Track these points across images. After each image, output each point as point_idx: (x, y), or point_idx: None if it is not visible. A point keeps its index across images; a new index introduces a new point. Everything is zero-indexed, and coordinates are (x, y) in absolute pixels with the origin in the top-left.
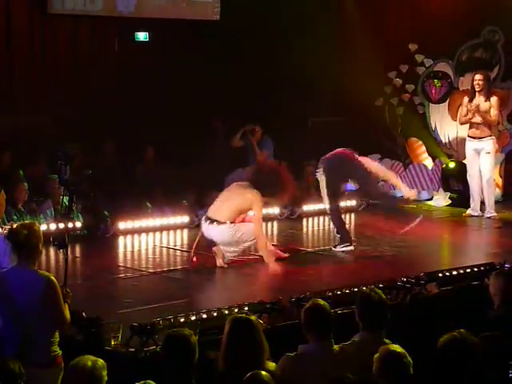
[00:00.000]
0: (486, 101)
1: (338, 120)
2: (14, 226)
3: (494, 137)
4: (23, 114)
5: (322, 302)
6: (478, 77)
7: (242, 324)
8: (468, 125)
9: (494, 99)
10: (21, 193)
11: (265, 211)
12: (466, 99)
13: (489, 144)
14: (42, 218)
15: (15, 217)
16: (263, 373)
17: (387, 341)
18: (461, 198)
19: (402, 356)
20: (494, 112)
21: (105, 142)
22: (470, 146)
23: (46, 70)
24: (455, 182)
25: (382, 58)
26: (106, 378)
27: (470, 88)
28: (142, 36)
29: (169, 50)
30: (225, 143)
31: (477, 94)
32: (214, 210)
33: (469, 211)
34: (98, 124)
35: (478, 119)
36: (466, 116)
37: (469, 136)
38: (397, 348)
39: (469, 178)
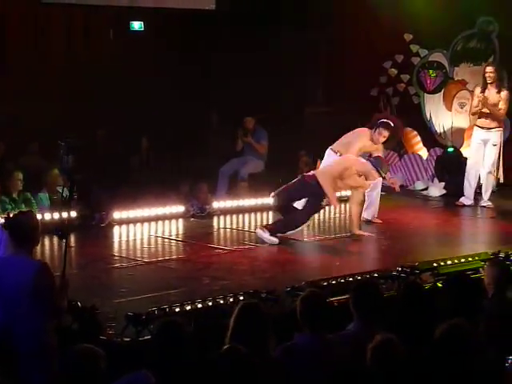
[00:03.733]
0: (497, 93)
1: (333, 110)
2: (11, 214)
3: (501, 129)
4: (17, 103)
5: (317, 291)
6: (489, 69)
7: (251, 310)
8: (477, 115)
9: (504, 93)
10: (15, 182)
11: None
12: (478, 90)
13: (496, 135)
14: (37, 208)
15: (9, 206)
16: (241, 348)
17: (381, 331)
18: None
19: (396, 345)
20: (502, 106)
21: (99, 132)
22: (478, 135)
23: (40, 59)
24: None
25: (378, 47)
26: (102, 367)
27: (482, 79)
28: (136, 25)
29: (164, 40)
30: (219, 134)
31: (488, 85)
32: None
33: (462, 200)
34: (92, 114)
35: (487, 110)
36: (477, 107)
37: (477, 125)
38: (390, 337)
39: (468, 167)
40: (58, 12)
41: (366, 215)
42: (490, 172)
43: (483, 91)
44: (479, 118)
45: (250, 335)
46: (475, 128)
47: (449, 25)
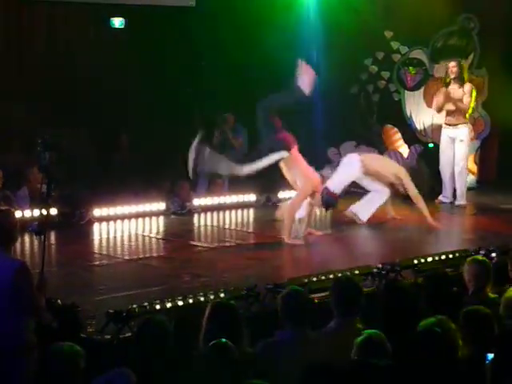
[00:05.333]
0: (459, 88)
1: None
2: None
3: (469, 124)
4: None
5: (298, 288)
6: (451, 64)
7: (222, 308)
8: (445, 113)
9: (467, 86)
10: None
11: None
12: (443, 88)
13: (463, 132)
14: (17, 205)
15: None
16: (228, 342)
17: (361, 327)
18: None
19: (381, 343)
20: (466, 99)
21: (79, 130)
22: (445, 133)
23: (21, 57)
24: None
25: (358, 44)
26: (82, 366)
27: (444, 75)
28: (117, 23)
29: (145, 37)
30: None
31: (452, 81)
32: None
33: (440, 197)
34: (73, 111)
35: (451, 106)
36: (441, 103)
37: (445, 123)
38: (377, 334)
39: (441, 165)
40: (39, 9)
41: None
42: (459, 170)
43: (446, 87)
44: (446, 115)
45: (222, 334)
46: (443, 126)
47: (429, 22)
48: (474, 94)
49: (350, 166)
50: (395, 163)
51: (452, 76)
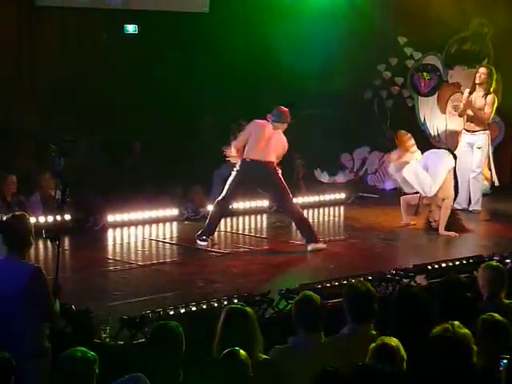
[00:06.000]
0: (482, 97)
1: (327, 112)
2: (4, 217)
3: (487, 132)
4: (10, 106)
5: (312, 294)
6: (482, 70)
7: (237, 314)
8: (465, 118)
9: (489, 97)
10: (10, 185)
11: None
12: (466, 92)
13: (481, 139)
14: (31, 211)
15: (3, 209)
16: (241, 351)
17: (374, 332)
18: None
19: (396, 350)
20: (487, 110)
21: (93, 136)
22: (464, 138)
23: (34, 63)
24: None
25: (372, 50)
26: (96, 371)
27: (473, 81)
28: (131, 29)
29: (158, 43)
30: (213, 137)
31: (476, 87)
32: None
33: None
34: (86, 117)
35: (471, 113)
36: (463, 109)
37: (464, 129)
38: (392, 341)
39: (457, 171)
40: (52, 16)
41: None
42: (475, 176)
43: (471, 94)
44: (466, 121)
45: (237, 340)
46: (463, 131)
47: (442, 27)
48: (496, 105)
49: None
50: None
51: (477, 81)
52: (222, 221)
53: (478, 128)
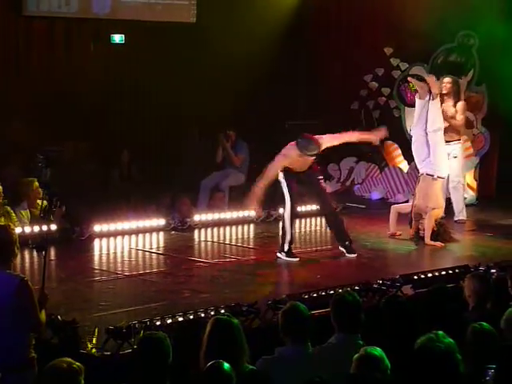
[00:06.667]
0: (453, 105)
1: (314, 123)
2: None
3: (461, 141)
4: None
5: (299, 304)
6: (446, 80)
7: (223, 325)
8: None
9: (459, 104)
10: None
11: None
12: None
13: (455, 148)
14: (17, 221)
15: None
16: (225, 364)
17: (362, 342)
18: None
19: (380, 360)
20: (459, 117)
21: (80, 145)
22: None
23: (20, 72)
24: None
25: (358, 61)
26: (82, 382)
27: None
28: (117, 38)
29: (144, 53)
30: (200, 147)
31: (445, 98)
32: None
33: None
34: (73, 126)
35: (444, 123)
36: None
37: None
38: (375, 351)
39: None
40: (39, 25)
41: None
42: (454, 185)
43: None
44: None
45: (223, 350)
46: None
47: (429, 38)
48: (465, 110)
49: None
50: None
51: (444, 91)
52: (209, 231)
53: (452, 138)
